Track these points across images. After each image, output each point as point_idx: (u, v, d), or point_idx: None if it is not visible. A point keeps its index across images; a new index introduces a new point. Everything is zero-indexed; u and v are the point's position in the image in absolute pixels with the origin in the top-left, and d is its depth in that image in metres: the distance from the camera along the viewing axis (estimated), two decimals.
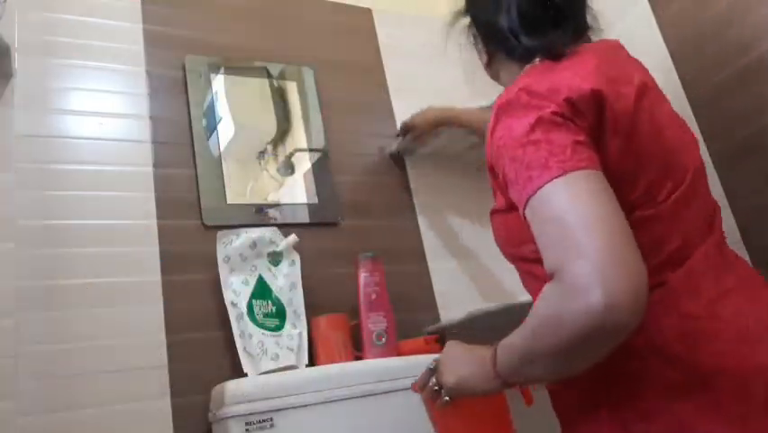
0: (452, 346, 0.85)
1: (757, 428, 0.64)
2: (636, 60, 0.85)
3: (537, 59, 0.81)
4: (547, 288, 0.65)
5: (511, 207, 0.76)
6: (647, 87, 0.79)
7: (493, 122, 0.75)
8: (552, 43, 0.79)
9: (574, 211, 0.62)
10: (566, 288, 0.61)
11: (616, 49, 0.84)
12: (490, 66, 0.94)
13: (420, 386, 0.87)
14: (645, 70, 0.84)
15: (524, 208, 0.68)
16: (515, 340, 0.71)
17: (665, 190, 0.73)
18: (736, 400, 0.66)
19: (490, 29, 0.88)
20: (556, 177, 0.64)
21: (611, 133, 0.71)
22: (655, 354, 0.69)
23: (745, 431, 0.64)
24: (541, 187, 0.65)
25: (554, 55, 0.78)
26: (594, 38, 0.88)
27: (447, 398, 0.81)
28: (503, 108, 0.74)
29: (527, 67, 0.83)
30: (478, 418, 0.87)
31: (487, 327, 1.44)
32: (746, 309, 0.71)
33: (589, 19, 0.87)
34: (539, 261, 0.68)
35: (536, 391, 0.88)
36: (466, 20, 0.96)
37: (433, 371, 0.85)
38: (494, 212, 0.84)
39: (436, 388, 0.82)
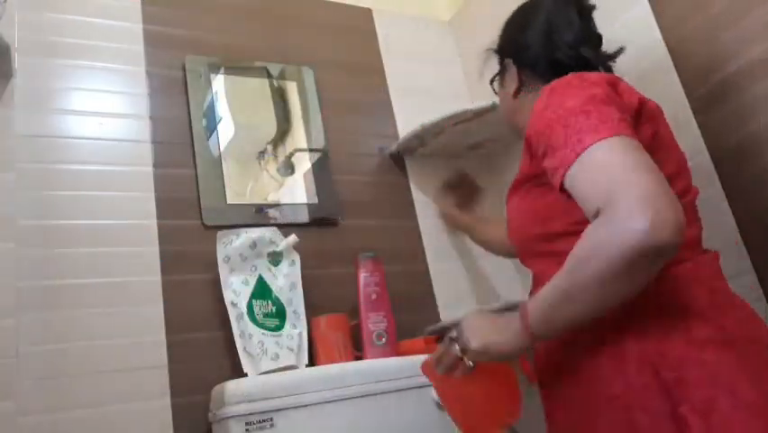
0: (475, 314, 0.87)
1: None
2: None
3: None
4: (592, 224, 0.70)
5: (539, 185, 0.85)
6: (661, 109, 0.90)
7: (545, 100, 0.83)
8: (605, 56, 0.97)
9: (621, 161, 0.70)
10: (616, 215, 0.67)
11: None
12: (519, 92, 1.01)
13: (438, 356, 0.88)
14: None
15: (568, 168, 0.74)
16: (550, 286, 0.75)
17: (678, 188, 0.80)
18: (758, 360, 0.74)
19: (535, 55, 0.98)
20: (605, 137, 0.72)
21: (646, 122, 0.82)
22: (688, 312, 0.76)
23: (762, 390, 0.71)
24: (591, 144, 0.72)
25: (606, 65, 0.96)
26: None
27: (471, 363, 0.83)
28: (556, 88, 0.83)
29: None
30: (488, 394, 0.88)
31: None
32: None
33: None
34: (565, 234, 0.79)
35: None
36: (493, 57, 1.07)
37: (453, 340, 0.86)
38: (525, 193, 0.91)
39: (459, 355, 0.84)
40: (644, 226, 0.64)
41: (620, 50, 0.99)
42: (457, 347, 0.84)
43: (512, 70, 1.02)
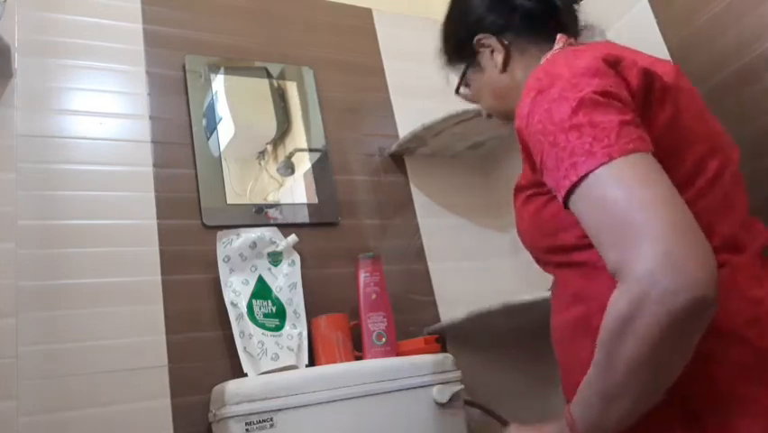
0: (519, 430, 0.78)
1: None
2: None
3: (559, 45, 0.83)
4: (614, 295, 0.59)
5: (543, 193, 0.75)
6: (680, 73, 0.77)
7: (529, 101, 0.70)
8: None
9: (626, 197, 0.58)
10: (635, 282, 0.56)
11: None
12: (506, 65, 0.90)
13: None
14: None
15: (566, 197, 0.64)
16: (586, 385, 0.65)
17: (711, 170, 0.70)
18: None
19: (510, 14, 0.89)
20: (603, 163, 0.60)
21: (658, 104, 0.69)
22: (724, 337, 0.64)
23: None
24: (587, 175, 0.61)
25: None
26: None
27: None
28: (542, 79, 0.70)
29: (549, 54, 0.83)
30: None
31: (487, 327, 1.44)
32: None
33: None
34: (580, 247, 0.69)
35: None
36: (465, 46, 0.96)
37: None
38: (527, 200, 0.79)
39: None
40: (671, 292, 0.53)
41: None
42: None
43: (490, 42, 0.90)
